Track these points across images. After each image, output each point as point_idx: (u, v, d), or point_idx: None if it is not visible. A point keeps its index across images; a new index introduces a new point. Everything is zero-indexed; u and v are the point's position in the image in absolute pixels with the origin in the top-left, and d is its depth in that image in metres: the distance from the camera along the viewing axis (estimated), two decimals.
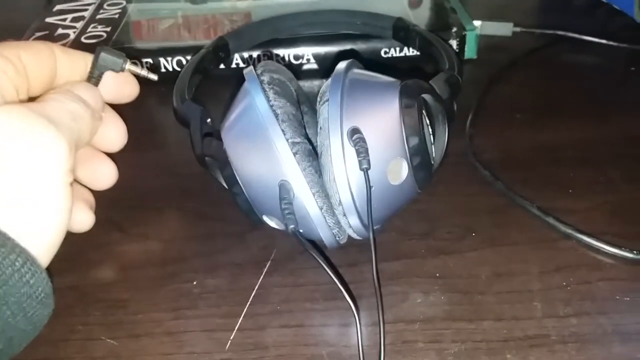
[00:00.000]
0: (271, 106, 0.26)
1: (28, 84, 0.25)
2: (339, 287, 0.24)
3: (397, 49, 0.43)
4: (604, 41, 0.45)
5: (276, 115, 0.26)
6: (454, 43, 0.43)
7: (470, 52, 0.44)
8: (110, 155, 0.31)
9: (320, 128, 0.26)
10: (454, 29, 0.44)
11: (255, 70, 0.28)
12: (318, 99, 0.28)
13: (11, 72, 0.24)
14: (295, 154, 0.25)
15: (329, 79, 0.27)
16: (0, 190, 0.21)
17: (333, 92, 0.26)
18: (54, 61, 0.27)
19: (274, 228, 0.28)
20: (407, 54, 0.43)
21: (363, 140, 0.25)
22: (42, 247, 0.22)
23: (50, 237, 0.22)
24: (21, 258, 0.21)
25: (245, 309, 0.27)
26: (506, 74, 0.43)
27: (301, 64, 0.44)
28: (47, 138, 0.22)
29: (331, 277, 0.24)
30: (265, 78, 0.27)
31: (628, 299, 0.27)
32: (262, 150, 0.26)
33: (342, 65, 0.28)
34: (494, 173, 0.33)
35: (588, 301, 0.27)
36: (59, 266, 0.23)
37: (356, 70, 0.28)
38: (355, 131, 0.25)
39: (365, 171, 0.25)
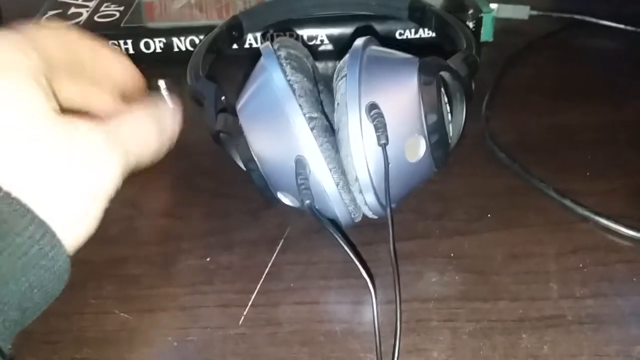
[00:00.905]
0: (288, 81, 0.26)
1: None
2: (354, 264, 0.24)
3: (412, 30, 0.43)
4: (620, 25, 0.45)
5: (293, 90, 0.25)
6: (470, 25, 0.43)
7: (486, 34, 0.44)
8: None
9: (338, 104, 0.26)
10: (470, 11, 0.43)
11: (272, 45, 0.28)
12: (335, 75, 0.27)
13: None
14: (312, 129, 0.25)
15: (347, 55, 0.27)
16: (53, 189, 0.22)
17: (351, 68, 0.26)
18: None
19: (288, 206, 0.28)
20: (422, 35, 0.43)
21: (381, 115, 0.25)
22: (68, 242, 0.22)
23: (77, 237, 0.23)
24: (41, 230, 0.21)
25: (259, 286, 0.27)
26: (522, 57, 0.42)
27: (315, 45, 0.43)
28: (111, 168, 0.23)
29: (348, 253, 0.24)
30: (282, 53, 0.27)
31: None
32: (278, 126, 0.25)
33: (359, 41, 0.27)
34: (511, 155, 0.33)
35: (605, 283, 0.26)
36: None
37: (374, 47, 0.28)
38: (373, 106, 0.25)
39: (384, 147, 0.25)
